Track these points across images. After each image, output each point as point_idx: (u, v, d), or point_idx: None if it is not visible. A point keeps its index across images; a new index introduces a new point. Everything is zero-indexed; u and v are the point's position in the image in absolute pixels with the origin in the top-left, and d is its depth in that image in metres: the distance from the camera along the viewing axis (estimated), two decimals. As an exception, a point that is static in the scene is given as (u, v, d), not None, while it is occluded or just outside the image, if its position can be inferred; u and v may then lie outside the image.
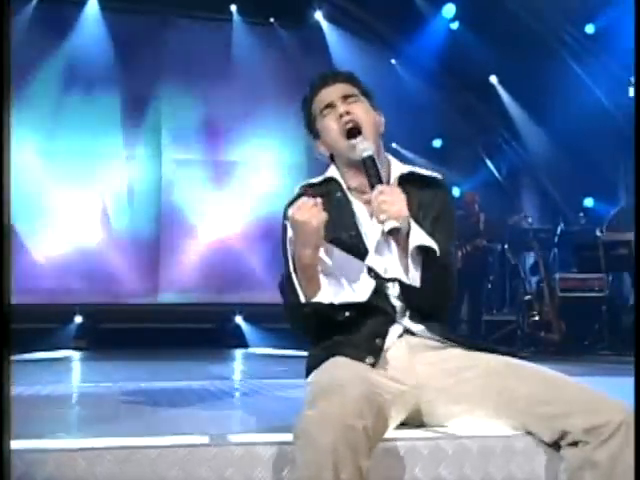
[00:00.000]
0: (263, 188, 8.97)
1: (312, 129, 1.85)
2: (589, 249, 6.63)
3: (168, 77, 8.57)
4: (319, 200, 1.62)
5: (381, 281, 1.69)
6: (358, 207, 1.75)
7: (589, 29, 8.88)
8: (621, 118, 8.89)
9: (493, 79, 9.22)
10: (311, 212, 1.59)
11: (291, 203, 1.76)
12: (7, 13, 1.23)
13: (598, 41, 8.79)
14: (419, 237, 1.66)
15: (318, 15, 9.00)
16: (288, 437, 1.47)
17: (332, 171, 1.82)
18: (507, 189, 9.25)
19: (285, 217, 1.74)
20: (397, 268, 1.69)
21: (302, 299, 1.65)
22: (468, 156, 8.85)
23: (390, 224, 1.59)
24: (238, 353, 7.18)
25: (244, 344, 7.84)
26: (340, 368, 1.56)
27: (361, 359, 1.62)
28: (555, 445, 1.45)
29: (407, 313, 1.69)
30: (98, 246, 8.38)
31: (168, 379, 3.37)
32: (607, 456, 1.37)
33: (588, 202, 9.23)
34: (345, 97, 1.78)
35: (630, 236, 6.45)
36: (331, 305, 1.64)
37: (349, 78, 1.84)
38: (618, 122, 8.85)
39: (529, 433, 1.49)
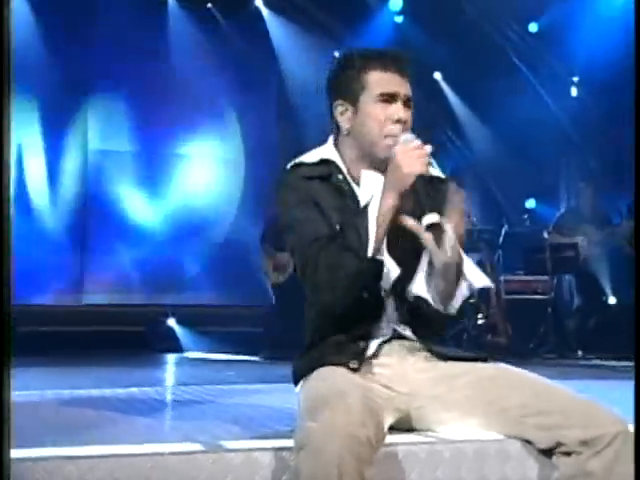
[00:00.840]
0: (197, 183, 8.92)
1: (346, 90, 1.75)
2: (535, 251, 6.92)
3: (97, 62, 8.41)
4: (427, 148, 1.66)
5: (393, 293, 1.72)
6: (362, 195, 1.74)
7: (532, 28, 9.23)
8: (565, 119, 9.27)
9: (437, 76, 9.44)
10: (408, 161, 1.64)
11: (283, 182, 1.74)
12: (7, 13, 1.23)
13: (542, 40, 9.15)
14: (471, 269, 1.73)
15: (258, 1, 9.01)
16: (285, 443, 1.54)
17: (329, 152, 1.77)
18: (451, 189, 9.51)
19: (285, 184, 1.72)
20: (421, 285, 1.71)
21: (370, 252, 1.61)
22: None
23: (430, 218, 1.61)
24: (172, 357, 7.14)
25: (178, 348, 7.79)
26: (334, 377, 1.63)
27: (345, 364, 1.68)
28: (548, 451, 1.56)
29: (399, 318, 1.76)
30: (16, 242, 8.14)
31: (101, 386, 3.31)
32: (601, 466, 1.47)
33: (530, 203, 9.59)
34: (407, 100, 1.77)
35: (577, 238, 6.78)
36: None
37: (412, 76, 1.81)
38: (561, 123, 9.24)
39: (515, 439, 1.58)
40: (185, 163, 8.91)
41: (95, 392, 2.94)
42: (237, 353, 6.90)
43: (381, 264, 1.64)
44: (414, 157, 1.64)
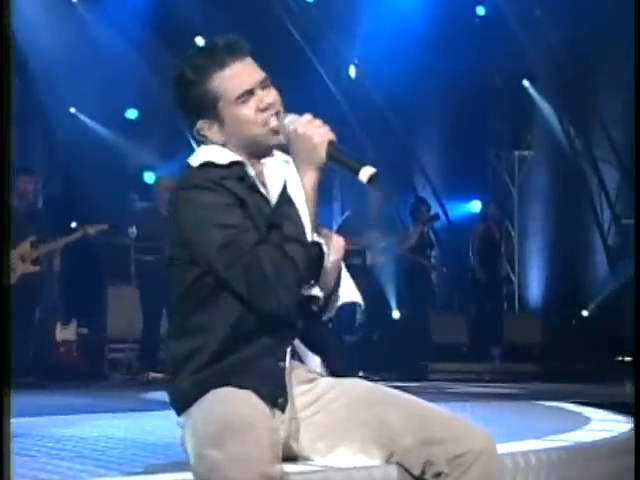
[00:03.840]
0: None
1: (199, 108, 1.88)
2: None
3: None
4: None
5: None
6: (272, 188, 1.90)
7: (309, -3, 9.78)
8: (342, 100, 9.91)
9: (199, 41, 9.60)
10: (315, 130, 1.82)
11: (187, 184, 1.84)
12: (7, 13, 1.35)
13: (319, 12, 9.73)
14: (346, 280, 1.98)
15: None
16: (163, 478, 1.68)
17: (232, 155, 1.89)
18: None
19: (198, 184, 1.82)
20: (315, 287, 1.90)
21: (309, 236, 1.77)
22: (169, 133, 9.07)
23: (370, 169, 1.80)
24: None
25: None
26: (238, 401, 1.75)
27: (271, 399, 1.80)
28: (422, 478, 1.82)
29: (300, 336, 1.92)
30: None
31: None
32: None
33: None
34: (264, 81, 1.90)
35: (363, 244, 7.36)
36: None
37: (252, 53, 1.92)
38: (340, 106, 9.87)
39: (398, 465, 1.86)
40: None
41: None
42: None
43: (321, 247, 1.83)
44: (318, 126, 1.83)
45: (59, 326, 7.33)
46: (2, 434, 1.32)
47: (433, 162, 10.26)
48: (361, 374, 6.94)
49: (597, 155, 9.30)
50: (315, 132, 1.82)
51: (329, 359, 1.99)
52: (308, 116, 1.85)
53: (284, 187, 1.81)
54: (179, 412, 1.83)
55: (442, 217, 9.50)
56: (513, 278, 9.85)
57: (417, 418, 1.82)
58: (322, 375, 1.95)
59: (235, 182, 1.84)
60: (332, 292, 1.94)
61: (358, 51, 9.80)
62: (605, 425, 2.96)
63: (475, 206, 10.02)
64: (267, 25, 9.21)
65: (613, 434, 2.69)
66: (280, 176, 1.87)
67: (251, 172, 1.89)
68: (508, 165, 10.17)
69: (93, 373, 7.11)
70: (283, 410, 1.82)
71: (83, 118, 9.06)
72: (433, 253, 8.74)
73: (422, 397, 1.91)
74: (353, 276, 7.21)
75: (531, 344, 8.32)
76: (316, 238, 1.83)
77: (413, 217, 8.28)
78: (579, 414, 3.50)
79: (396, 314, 8.00)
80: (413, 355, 7.63)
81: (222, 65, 1.86)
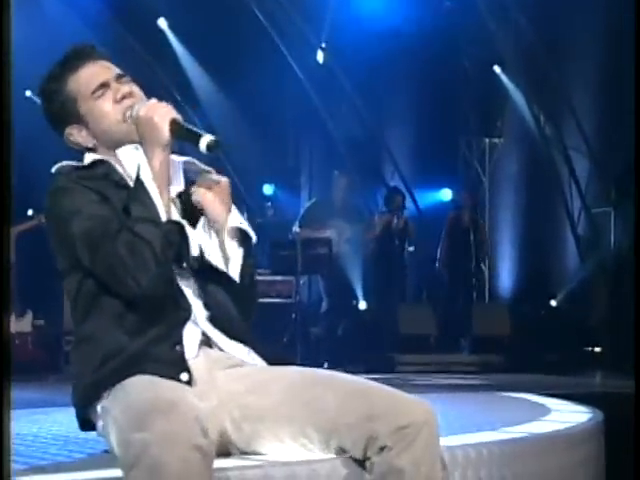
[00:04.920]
0: None
1: (66, 115, 2.02)
2: (283, 247, 7.37)
3: None
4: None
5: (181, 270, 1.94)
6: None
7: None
8: (309, 86, 9.90)
9: (162, 23, 9.57)
10: (157, 110, 1.90)
11: (50, 189, 1.95)
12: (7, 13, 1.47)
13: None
14: (237, 217, 2.00)
15: None
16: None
17: (95, 156, 2.02)
18: (175, 166, 9.62)
19: (64, 187, 1.92)
20: (215, 254, 1.97)
21: (163, 216, 1.86)
22: (129, 119, 9.02)
23: (208, 137, 1.85)
24: None
25: None
26: (151, 386, 1.78)
27: (174, 377, 1.85)
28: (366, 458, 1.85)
29: (206, 314, 1.96)
30: None
31: None
32: (410, 461, 1.80)
33: (268, 189, 10.12)
34: (119, 76, 2.03)
35: (329, 233, 7.36)
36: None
37: (108, 57, 2.09)
38: (307, 93, 9.86)
39: (342, 450, 1.87)
40: None
41: None
42: None
43: (180, 225, 1.90)
44: (160, 106, 1.92)
45: (14, 318, 7.28)
46: (2, 429, 1.36)
47: (402, 150, 10.27)
48: (326, 366, 6.96)
49: (567, 144, 9.34)
50: (156, 112, 1.89)
51: (254, 346, 2.01)
52: (153, 100, 1.96)
53: (137, 172, 1.89)
54: (83, 422, 1.96)
55: (412, 206, 9.50)
56: (483, 268, 9.88)
57: (358, 394, 1.86)
58: (252, 363, 1.98)
59: (99, 181, 1.94)
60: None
61: (326, 35, 9.78)
62: (564, 416, 2.97)
63: (445, 194, 10.05)
64: (232, 8, 9.18)
65: (570, 425, 2.70)
66: (136, 164, 1.96)
67: (118, 169, 1.98)
68: (479, 153, 10.20)
69: (49, 366, 7.07)
70: (190, 384, 1.86)
71: (39, 101, 8.97)
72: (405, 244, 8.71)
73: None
74: (318, 266, 7.20)
75: (500, 335, 8.35)
76: (175, 216, 1.90)
77: (388, 207, 8.28)
78: (541, 405, 3.50)
79: (363, 305, 8.02)
80: (380, 346, 7.65)
81: (76, 68, 2.03)
